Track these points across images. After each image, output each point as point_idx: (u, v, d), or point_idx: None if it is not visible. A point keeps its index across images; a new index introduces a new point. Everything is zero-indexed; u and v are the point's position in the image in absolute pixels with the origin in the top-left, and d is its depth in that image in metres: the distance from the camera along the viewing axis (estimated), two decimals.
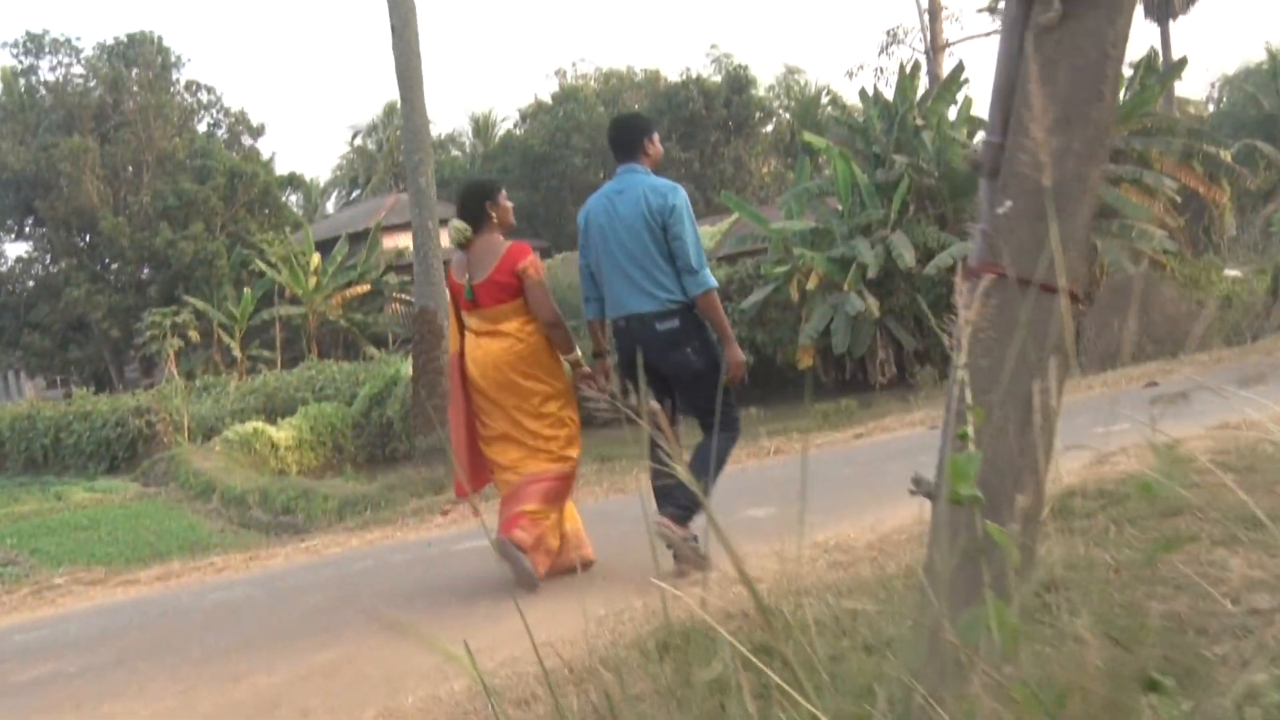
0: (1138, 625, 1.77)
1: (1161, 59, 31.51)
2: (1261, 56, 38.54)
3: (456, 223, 5.16)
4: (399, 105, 15.75)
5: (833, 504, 5.58)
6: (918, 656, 1.83)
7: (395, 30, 14.48)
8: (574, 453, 5.15)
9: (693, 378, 4.82)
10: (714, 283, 4.85)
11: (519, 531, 4.86)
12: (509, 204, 5.29)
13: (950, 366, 2.56)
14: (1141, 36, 52.90)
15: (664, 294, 4.80)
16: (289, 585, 6.09)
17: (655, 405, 1.94)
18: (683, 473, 1.75)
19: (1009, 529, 2.15)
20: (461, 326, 5.24)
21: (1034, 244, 2.34)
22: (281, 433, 23.49)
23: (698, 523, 4.72)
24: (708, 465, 4.47)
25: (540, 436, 5.05)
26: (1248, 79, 38.01)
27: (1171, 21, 37.28)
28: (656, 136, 5.13)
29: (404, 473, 14.84)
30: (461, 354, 5.19)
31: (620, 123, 5.28)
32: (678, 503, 4.61)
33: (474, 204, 5.18)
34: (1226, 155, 27.29)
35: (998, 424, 2.20)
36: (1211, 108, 37.07)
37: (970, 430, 1.86)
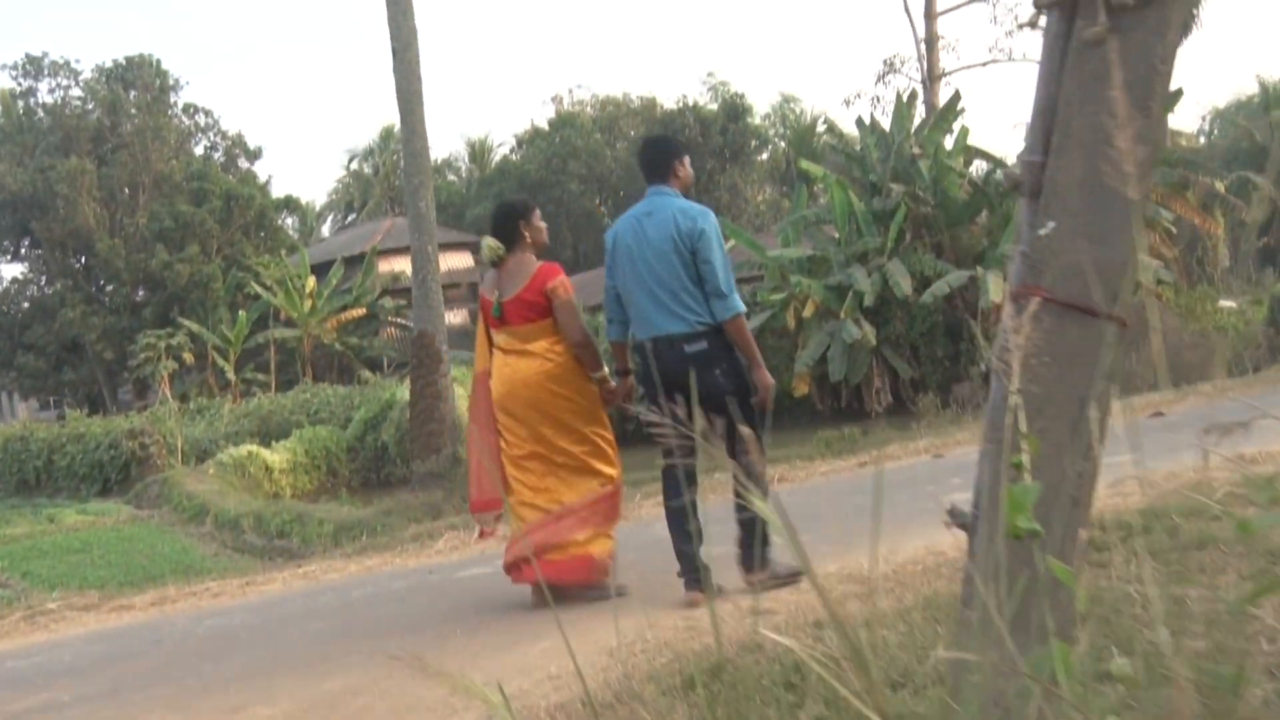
0: (1231, 669, 1.68)
1: None
2: (1253, 89, 38.81)
3: (490, 240, 5.20)
4: (398, 128, 15.71)
5: (843, 533, 5.47)
6: (972, 697, 1.74)
7: (396, 53, 14.45)
8: (610, 470, 5.12)
9: (722, 400, 4.72)
10: (743, 307, 4.85)
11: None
12: (542, 224, 5.31)
13: (993, 392, 2.48)
14: None
15: (692, 316, 4.78)
16: (287, 612, 5.97)
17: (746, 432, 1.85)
18: (761, 506, 1.66)
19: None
20: (490, 344, 5.23)
21: (1080, 266, 2.27)
22: (276, 456, 23.33)
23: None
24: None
25: (569, 454, 5.03)
26: (1238, 111, 38.21)
27: None
28: (687, 159, 5.12)
29: (400, 497, 14.69)
30: (488, 372, 5.19)
31: (651, 144, 5.28)
32: (750, 551, 4.66)
33: (508, 223, 5.22)
34: (1221, 187, 27.41)
35: (1046, 453, 2.12)
36: (1203, 139, 37.24)
37: (1025, 459, 1.77)
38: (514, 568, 5.03)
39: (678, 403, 5.09)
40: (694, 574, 4.68)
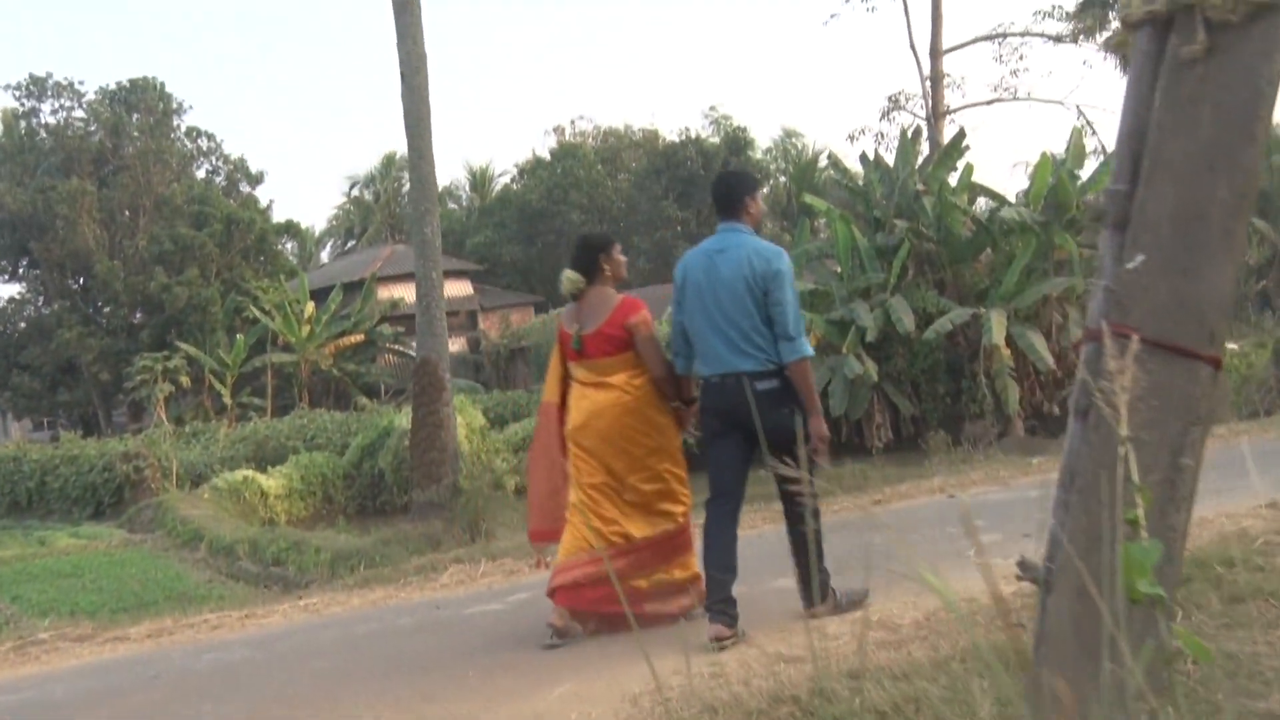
0: None
1: None
2: None
3: (570, 273, 5.22)
4: (406, 154, 15.63)
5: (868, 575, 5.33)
6: None
7: (405, 78, 14.37)
8: (678, 508, 5.13)
9: (789, 440, 4.60)
10: (810, 351, 4.86)
11: (562, 618, 4.90)
12: (622, 258, 5.35)
13: (1071, 436, 2.33)
14: None
15: (762, 355, 4.79)
16: (290, 647, 5.77)
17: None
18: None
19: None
20: (564, 376, 5.28)
21: (1172, 303, 2.11)
22: (272, 481, 23.10)
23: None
24: (807, 543, 4.64)
25: (638, 491, 5.04)
26: None
27: None
28: (760, 195, 5.13)
29: (399, 527, 14.47)
30: (561, 404, 5.24)
31: (724, 179, 5.30)
32: (809, 587, 4.73)
33: (589, 256, 5.26)
34: None
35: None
36: None
37: (1141, 515, 1.61)
38: (560, 591, 5.00)
39: (739, 439, 5.20)
40: (722, 605, 4.66)
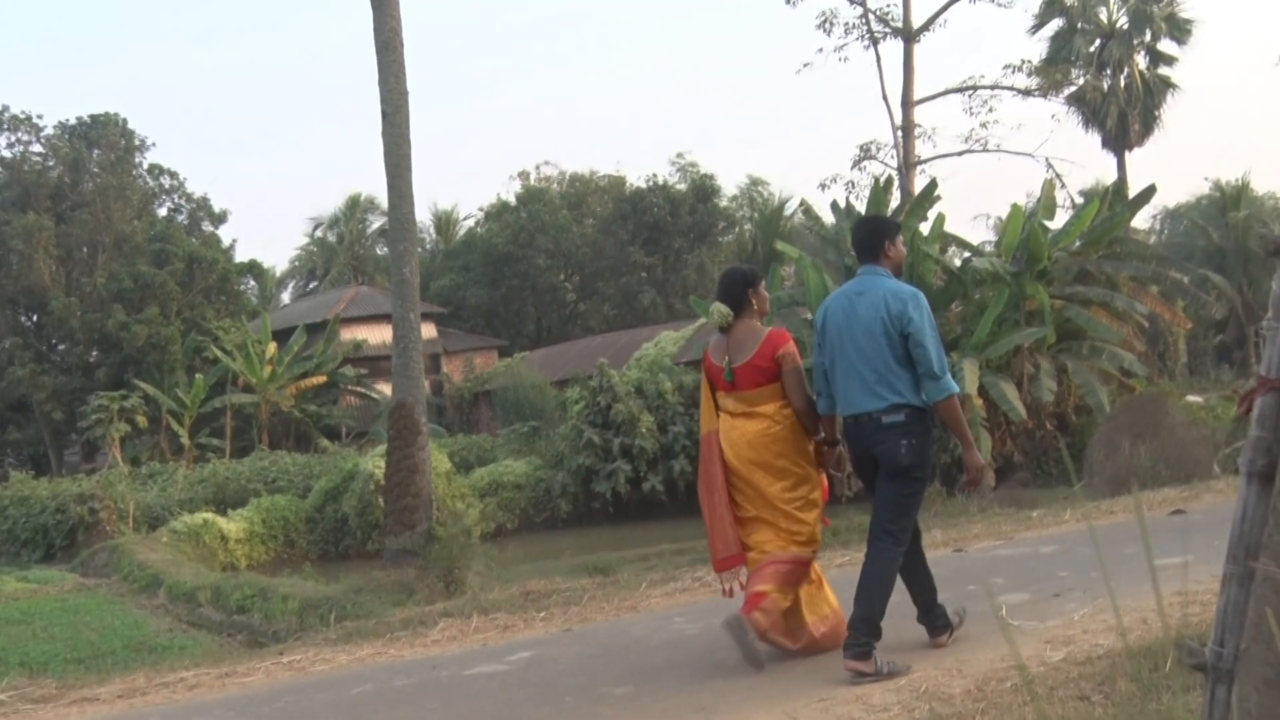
0: None
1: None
2: (1201, 190, 39.67)
3: (720, 306, 5.38)
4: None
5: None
6: None
7: (386, 116, 14.17)
8: (809, 532, 5.23)
9: (897, 471, 4.87)
10: (956, 388, 4.93)
11: (759, 614, 4.96)
12: (767, 293, 5.58)
13: (1243, 502, 2.11)
14: (1099, 167, 54.42)
15: (893, 396, 4.84)
16: (278, 712, 5.41)
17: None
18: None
19: None
20: (716, 407, 5.41)
21: None
22: (232, 525, 22.58)
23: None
24: (876, 583, 4.81)
25: (790, 518, 5.17)
26: (1189, 212, 39.06)
27: (1128, 153, 38.40)
28: (900, 239, 5.29)
29: (371, 575, 14.03)
30: (715, 433, 5.37)
31: (863, 224, 5.54)
32: (932, 617, 5.10)
33: (739, 290, 5.41)
34: (1186, 281, 27.80)
35: None
36: (1154, 239, 38.04)
37: None
38: (754, 608, 5.10)
39: (866, 477, 5.18)
40: (862, 638, 4.74)
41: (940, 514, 11.98)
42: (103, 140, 42.07)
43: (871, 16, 29.08)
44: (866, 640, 4.70)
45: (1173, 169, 72.33)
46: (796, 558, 5.15)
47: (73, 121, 42.27)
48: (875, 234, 5.21)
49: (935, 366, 4.83)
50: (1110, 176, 37.61)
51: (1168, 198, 48.00)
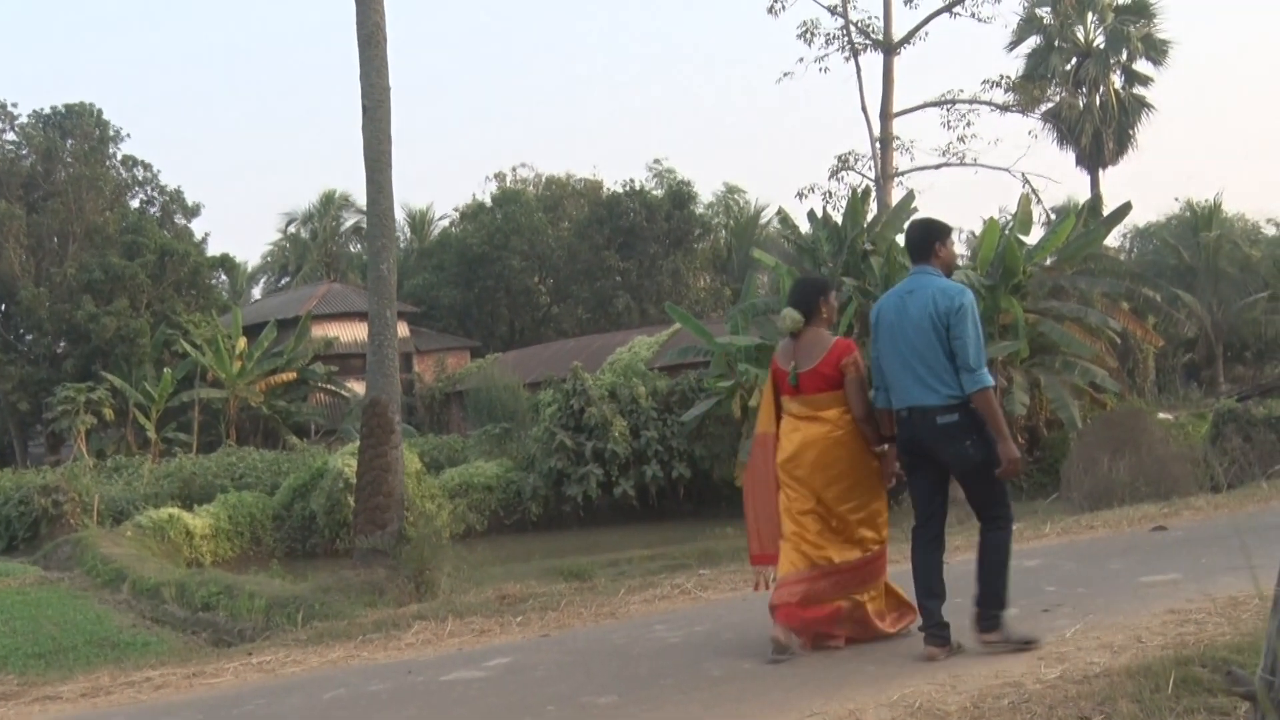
0: None
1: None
2: (1171, 209, 40.03)
3: (792, 312, 5.55)
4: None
5: (884, 650, 5.13)
6: None
7: (367, 110, 14.03)
8: (874, 535, 5.44)
9: (971, 470, 5.12)
10: (990, 381, 5.10)
11: (785, 635, 5.19)
12: (835, 303, 5.71)
13: None
14: (1073, 183, 54.82)
15: (945, 390, 5.09)
16: (247, 715, 5.25)
17: None
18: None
19: None
20: (777, 408, 5.62)
21: None
22: (198, 520, 22.32)
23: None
24: (993, 563, 5.13)
25: (842, 519, 5.36)
26: (1159, 231, 39.39)
27: (1102, 171, 38.72)
28: (950, 241, 5.49)
29: (339, 574, 13.83)
30: (775, 434, 5.57)
31: (915, 226, 5.64)
32: (986, 613, 5.15)
33: (811, 298, 5.59)
34: (1158, 298, 28.04)
35: None
36: (1124, 256, 38.38)
37: None
38: (780, 609, 5.27)
39: (931, 468, 5.31)
40: (935, 629, 5.10)
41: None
42: (77, 130, 41.69)
43: (853, 28, 29.19)
44: (993, 613, 5.05)
45: (1144, 187, 73.03)
46: (863, 560, 5.38)
47: (47, 110, 41.94)
48: (926, 236, 5.41)
49: (972, 360, 5.05)
50: (1083, 194, 37.99)
51: (1138, 216, 48.36)
